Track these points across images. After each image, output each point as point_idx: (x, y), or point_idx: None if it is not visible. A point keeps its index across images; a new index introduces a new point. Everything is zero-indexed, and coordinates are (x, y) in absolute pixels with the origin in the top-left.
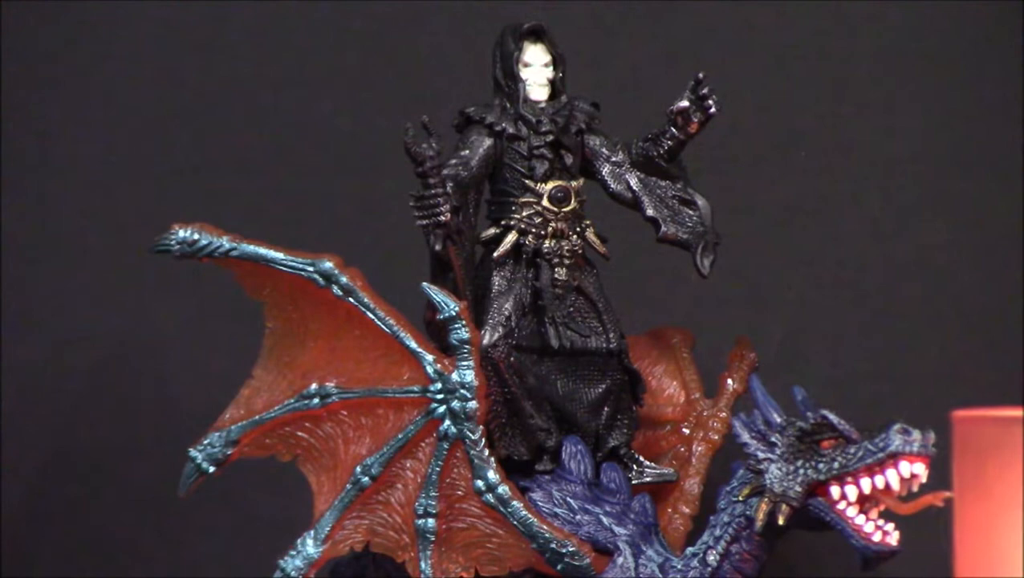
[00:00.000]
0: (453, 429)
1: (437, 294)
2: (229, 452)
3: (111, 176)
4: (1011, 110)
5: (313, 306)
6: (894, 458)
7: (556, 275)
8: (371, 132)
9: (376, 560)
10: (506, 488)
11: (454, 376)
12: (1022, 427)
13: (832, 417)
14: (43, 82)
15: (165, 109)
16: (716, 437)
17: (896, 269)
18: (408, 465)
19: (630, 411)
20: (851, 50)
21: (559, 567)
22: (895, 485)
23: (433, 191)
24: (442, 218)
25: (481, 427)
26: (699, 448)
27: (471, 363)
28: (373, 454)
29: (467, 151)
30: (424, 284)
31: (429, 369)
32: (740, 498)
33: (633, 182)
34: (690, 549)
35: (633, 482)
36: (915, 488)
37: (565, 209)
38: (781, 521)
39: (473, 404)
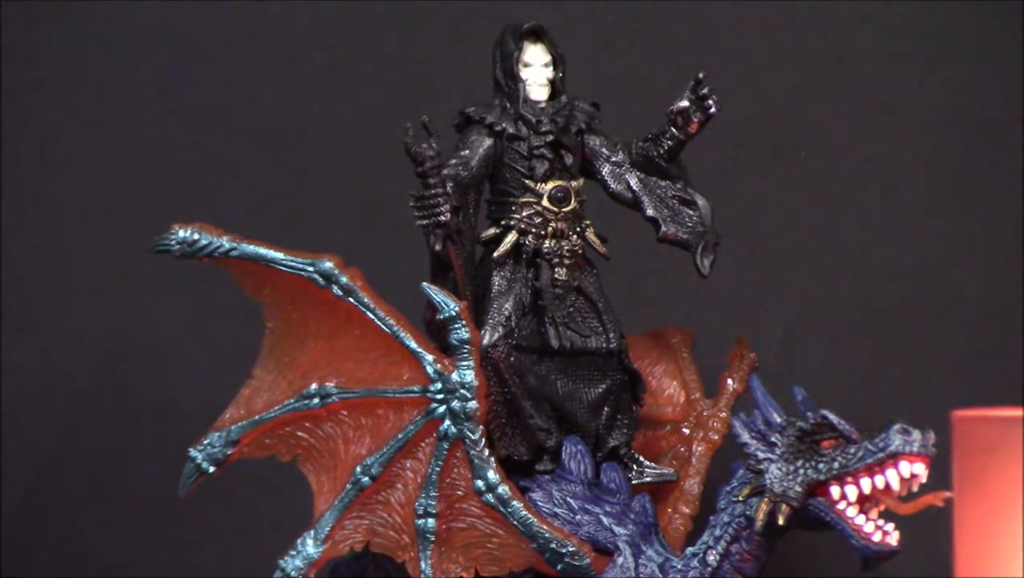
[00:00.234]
0: (453, 429)
1: (437, 294)
2: (229, 452)
3: (111, 176)
4: (1011, 110)
5: (313, 306)
6: (894, 458)
7: (556, 275)
8: (371, 132)
9: (376, 560)
10: (506, 488)
11: (454, 376)
12: (1022, 427)
13: (832, 417)
14: (43, 82)
15: (165, 109)
16: (716, 437)
17: (896, 269)
18: (408, 465)
19: (630, 411)
20: (851, 50)
21: (559, 567)
22: (895, 485)
23: (433, 191)
24: (442, 218)
25: (481, 427)
26: (699, 448)
27: (471, 363)
28: (373, 454)
29: (467, 151)
30: (424, 284)
31: (429, 369)
32: (740, 498)
33: (633, 182)
34: (690, 549)
35: (633, 482)
36: (915, 488)
37: (565, 209)
38: (781, 521)
39: (473, 404)
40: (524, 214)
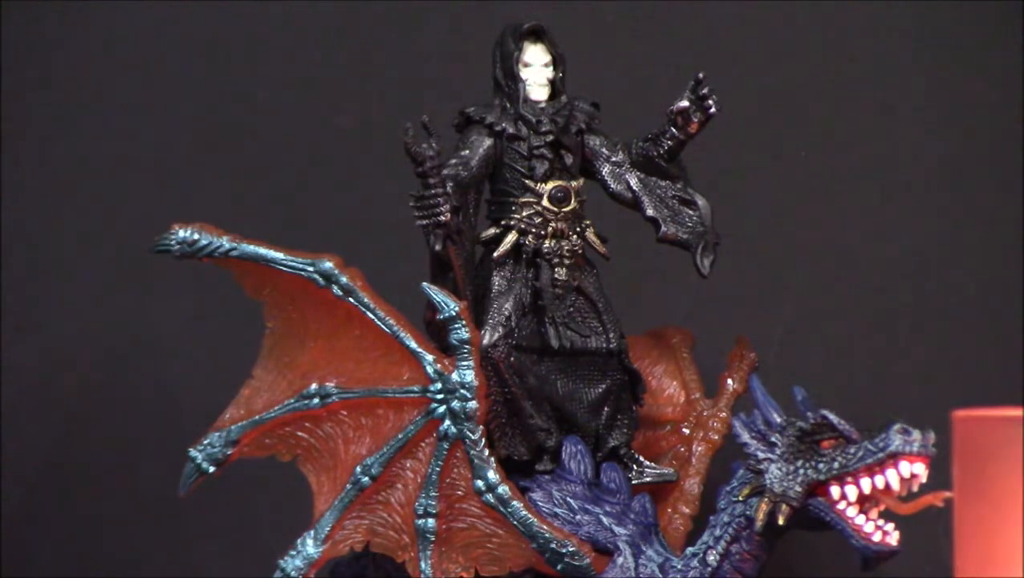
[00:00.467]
0: (453, 429)
1: (437, 294)
2: (229, 452)
3: (111, 176)
4: (1011, 110)
5: (313, 306)
6: (894, 458)
7: (556, 275)
8: (371, 132)
9: (376, 560)
10: (506, 488)
11: (454, 376)
12: (1022, 427)
13: (832, 417)
14: (43, 82)
15: (165, 109)
16: (716, 437)
17: (896, 269)
18: (408, 465)
19: (630, 411)
20: (851, 50)
21: (559, 567)
22: (895, 485)
23: (433, 191)
24: (442, 218)
25: (481, 427)
26: (699, 448)
27: (471, 363)
28: (373, 454)
29: (467, 151)
30: (424, 284)
31: (429, 369)
32: (740, 498)
33: (633, 182)
34: (690, 549)
35: (633, 482)
36: (915, 488)
37: (565, 209)
38: (781, 521)
39: (473, 404)
40: (524, 214)
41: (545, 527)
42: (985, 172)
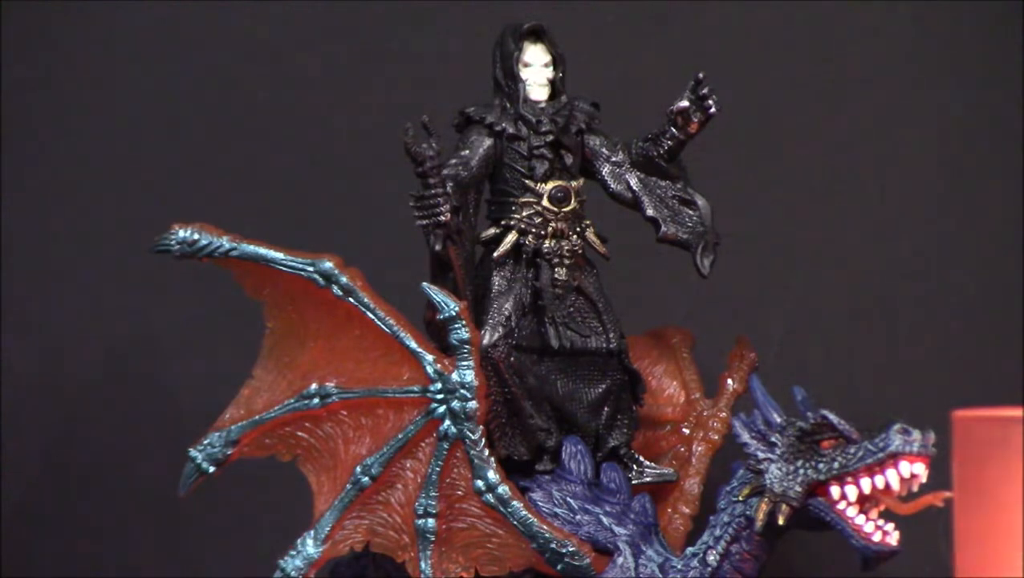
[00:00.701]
0: (453, 429)
1: (437, 294)
2: (229, 452)
3: (111, 177)
4: (1011, 110)
5: (313, 306)
6: (894, 458)
7: (556, 275)
8: (371, 132)
9: (376, 560)
10: (506, 488)
11: (454, 376)
12: (1022, 427)
13: (832, 417)
14: (43, 82)
15: (165, 109)
16: (716, 437)
17: (896, 269)
18: (408, 465)
19: (630, 411)
20: (851, 50)
21: (559, 567)
22: (895, 485)
23: (433, 191)
24: (442, 218)
25: (481, 427)
26: (699, 448)
27: (471, 363)
28: (373, 454)
29: (467, 151)
30: (424, 284)
31: (429, 369)
32: (740, 498)
33: (633, 182)
34: (690, 549)
35: (633, 482)
36: (915, 488)
37: (565, 209)
38: (781, 521)
39: (473, 404)
40: (524, 214)
41: (545, 527)
42: (985, 172)
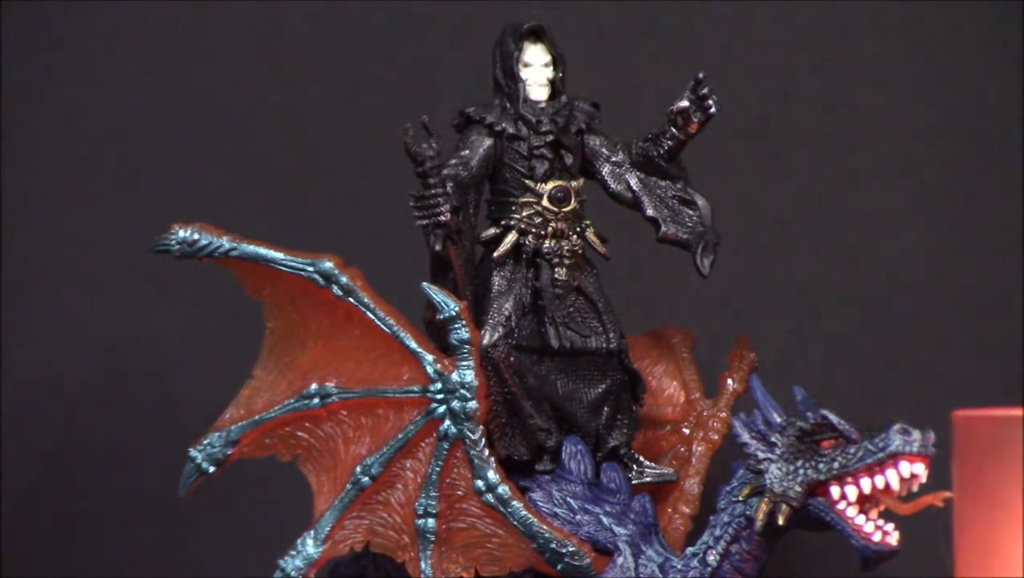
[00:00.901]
0: (453, 429)
1: (437, 294)
2: (229, 452)
3: (111, 176)
4: (1011, 110)
5: (313, 306)
6: (894, 458)
7: (556, 275)
8: (371, 132)
9: (376, 560)
10: (506, 488)
11: (454, 376)
12: (1022, 427)
13: (832, 417)
14: (43, 83)
15: (165, 109)
16: (716, 437)
17: (896, 269)
18: (408, 465)
19: (630, 411)
20: (851, 50)
21: (559, 567)
22: (895, 485)
23: (433, 191)
24: (442, 218)
25: (481, 427)
26: (699, 448)
27: (471, 363)
28: (373, 454)
29: (467, 151)
30: (424, 284)
31: (429, 369)
32: (740, 498)
33: (633, 182)
34: (690, 549)
35: (633, 482)
36: (915, 488)
37: (565, 209)
38: (781, 521)
39: (473, 404)
40: (524, 214)
41: (545, 527)
42: (985, 172)
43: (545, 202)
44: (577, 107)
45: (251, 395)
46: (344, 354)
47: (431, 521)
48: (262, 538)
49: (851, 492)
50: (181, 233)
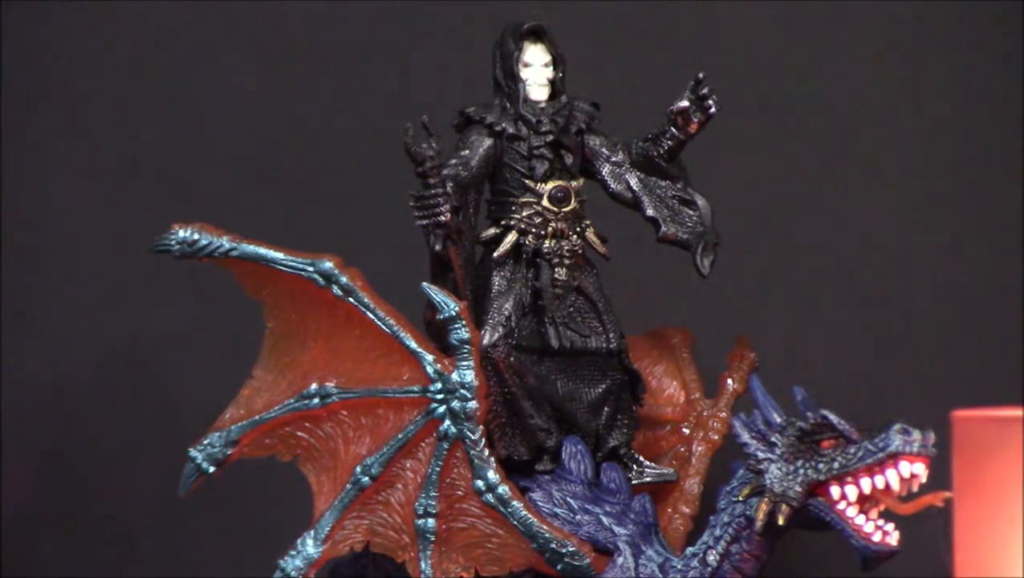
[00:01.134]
0: (453, 429)
1: (437, 294)
2: (229, 452)
3: (111, 176)
4: (1011, 111)
5: (313, 306)
6: (894, 458)
7: (556, 275)
8: (371, 132)
9: (376, 560)
10: (506, 488)
11: (454, 376)
12: (1022, 427)
13: (832, 417)
14: (43, 83)
15: (165, 109)
16: (716, 437)
17: (896, 269)
18: (408, 465)
19: (630, 411)
20: (851, 51)
21: (559, 567)
22: (895, 485)
23: (433, 191)
24: (442, 218)
25: (481, 427)
26: (699, 448)
27: (471, 363)
28: (373, 454)
29: (467, 151)
30: (424, 284)
31: (429, 369)
32: (740, 498)
33: (633, 182)
34: (690, 549)
35: (633, 482)
36: (915, 488)
37: (565, 209)
38: (781, 521)
39: (473, 404)
40: (524, 214)
41: (545, 527)
42: (985, 172)
43: (545, 202)
44: (577, 107)
45: (251, 395)
46: (344, 354)
47: (431, 521)
48: (262, 538)
49: (851, 492)
50: (181, 233)
